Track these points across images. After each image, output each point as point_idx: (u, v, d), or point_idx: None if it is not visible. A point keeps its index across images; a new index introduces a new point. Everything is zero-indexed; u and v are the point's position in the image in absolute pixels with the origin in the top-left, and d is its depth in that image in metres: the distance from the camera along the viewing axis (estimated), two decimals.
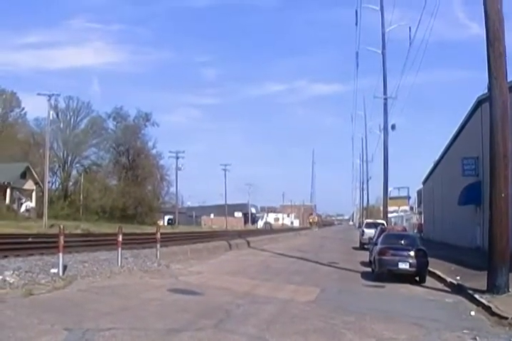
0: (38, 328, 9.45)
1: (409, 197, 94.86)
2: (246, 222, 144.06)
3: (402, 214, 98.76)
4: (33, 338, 8.77)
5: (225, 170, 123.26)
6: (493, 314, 13.36)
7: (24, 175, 75.72)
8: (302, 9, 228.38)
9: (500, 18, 17.18)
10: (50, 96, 64.27)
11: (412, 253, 20.33)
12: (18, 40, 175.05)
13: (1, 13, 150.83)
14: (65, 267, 16.23)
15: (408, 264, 20.05)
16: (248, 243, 42.56)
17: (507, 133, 16.85)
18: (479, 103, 36.07)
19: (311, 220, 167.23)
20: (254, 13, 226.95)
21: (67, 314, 10.88)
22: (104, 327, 9.73)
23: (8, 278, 13.91)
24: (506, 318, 12.53)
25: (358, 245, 43.52)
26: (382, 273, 20.77)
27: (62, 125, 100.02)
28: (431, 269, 22.01)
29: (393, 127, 48.50)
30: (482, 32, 17.43)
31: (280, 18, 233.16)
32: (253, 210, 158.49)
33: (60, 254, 15.79)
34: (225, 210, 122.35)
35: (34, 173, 77.09)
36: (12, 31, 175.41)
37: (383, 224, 39.75)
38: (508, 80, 17.53)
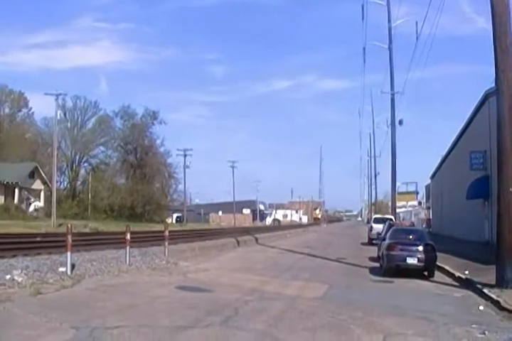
0: (45, 326, 9.48)
1: (417, 192, 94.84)
2: (254, 218, 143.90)
3: (410, 209, 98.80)
4: (40, 336, 8.80)
5: (232, 167, 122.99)
6: (502, 308, 13.34)
7: (32, 175, 75.85)
8: (309, 6, 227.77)
9: (506, 11, 17.12)
10: (57, 95, 64.31)
11: (420, 248, 20.30)
12: (25, 40, 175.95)
13: (8, 14, 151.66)
14: (73, 266, 16.27)
15: (416, 259, 20.02)
16: (256, 240, 42.61)
17: None
18: (487, 96, 35.94)
19: (315, 216, 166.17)
20: (261, 10, 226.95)
21: (75, 312, 10.89)
22: (111, 325, 9.75)
23: (16, 277, 13.94)
24: None
25: (366, 240, 43.47)
26: (390, 268, 20.73)
27: (69, 124, 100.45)
28: (439, 264, 21.98)
29: (401, 122, 48.51)
30: (489, 26, 17.39)
31: (287, 15, 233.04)
32: (261, 207, 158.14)
33: (68, 253, 15.82)
34: (233, 207, 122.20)
35: (42, 173, 77.23)
36: (19, 32, 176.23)
37: (391, 220, 39.73)
38: None
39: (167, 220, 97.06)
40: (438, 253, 21.13)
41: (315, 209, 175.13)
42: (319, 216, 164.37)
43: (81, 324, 9.71)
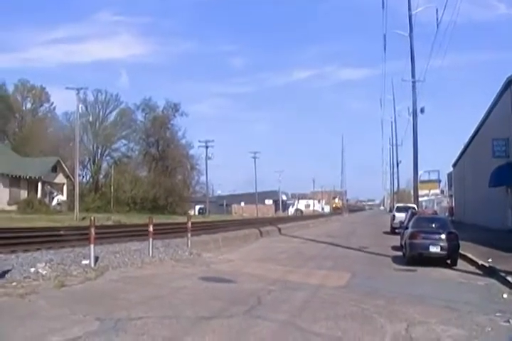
0: (70, 318, 9.54)
1: (439, 181, 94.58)
2: (277, 209, 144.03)
3: (432, 197, 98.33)
4: (65, 328, 8.84)
5: (254, 157, 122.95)
6: None
7: (55, 169, 76.26)
8: None
9: None
10: (78, 89, 64.62)
11: (443, 236, 20.24)
12: (46, 35, 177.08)
13: (28, 9, 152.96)
14: (96, 258, 16.34)
15: (439, 247, 19.97)
16: (279, 230, 42.64)
17: None
18: (509, 83, 35.74)
19: (334, 205, 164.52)
20: (280, 1, 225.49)
21: (99, 304, 10.97)
22: (135, 316, 9.81)
23: (40, 270, 14.04)
24: None
25: (388, 229, 43.35)
26: (413, 256, 20.68)
27: (91, 118, 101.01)
28: (462, 252, 21.87)
29: (422, 110, 47.99)
30: (510, 12, 17.23)
31: (306, 4, 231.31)
32: (284, 197, 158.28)
33: (92, 246, 15.88)
34: (255, 198, 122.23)
35: (65, 167, 77.62)
36: (40, 27, 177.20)
37: (414, 208, 39.57)
38: None
39: (190, 212, 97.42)
40: (461, 241, 21.06)
41: (334, 198, 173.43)
42: (339, 205, 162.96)
43: (105, 315, 9.77)
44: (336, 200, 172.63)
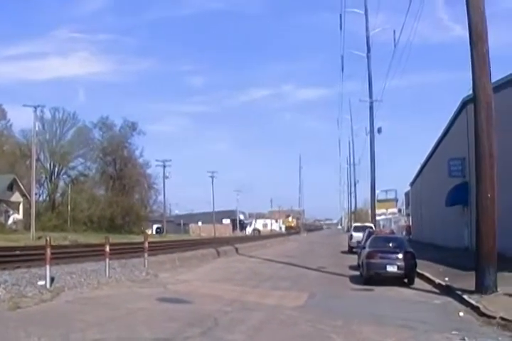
0: None
1: (396, 200, 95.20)
2: (234, 228, 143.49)
3: (390, 216, 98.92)
4: None
5: (212, 177, 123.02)
6: (481, 314, 13.39)
7: (11, 187, 75.36)
8: (287, 15, 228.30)
9: (483, 19, 17.31)
10: (35, 107, 64.20)
11: (400, 255, 20.35)
12: (2, 51, 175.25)
13: None
14: (52, 279, 16.14)
15: (396, 267, 20.08)
16: (236, 250, 42.47)
17: (492, 134, 16.94)
18: (464, 104, 36.20)
19: (288, 224, 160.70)
20: (239, 20, 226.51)
21: (55, 326, 10.81)
22: (91, 338, 9.71)
23: None
24: (494, 318, 12.58)
25: (346, 249, 43.54)
26: (370, 276, 20.74)
27: (48, 136, 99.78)
28: (419, 271, 22.05)
29: (379, 130, 48.73)
30: (465, 33, 17.59)
31: (265, 24, 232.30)
32: (241, 217, 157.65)
33: (47, 266, 15.70)
34: (213, 217, 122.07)
35: (21, 185, 76.74)
36: None
37: (371, 228, 39.81)
38: (492, 81, 17.71)
39: (147, 231, 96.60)
40: (418, 261, 21.22)
41: (287, 216, 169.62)
42: (292, 224, 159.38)
43: (60, 338, 9.65)
44: (290, 219, 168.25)
